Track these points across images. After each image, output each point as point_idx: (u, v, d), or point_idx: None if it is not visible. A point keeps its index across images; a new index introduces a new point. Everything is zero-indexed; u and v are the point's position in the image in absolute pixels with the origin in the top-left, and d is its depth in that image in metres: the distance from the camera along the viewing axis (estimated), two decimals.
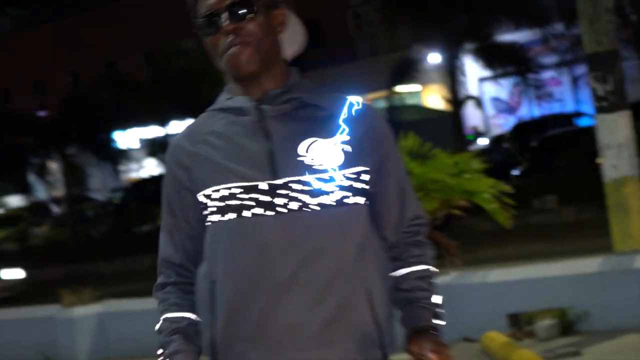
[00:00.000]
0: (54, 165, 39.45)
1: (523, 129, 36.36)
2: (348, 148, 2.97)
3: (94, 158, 37.85)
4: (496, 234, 20.82)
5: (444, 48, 31.09)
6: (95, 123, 37.07)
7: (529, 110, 42.31)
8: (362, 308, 2.96)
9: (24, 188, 39.52)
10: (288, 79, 3.08)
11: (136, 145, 43.72)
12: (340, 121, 3.01)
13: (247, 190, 2.91)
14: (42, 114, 45.62)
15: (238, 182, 2.92)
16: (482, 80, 40.63)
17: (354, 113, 3.05)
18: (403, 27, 33.27)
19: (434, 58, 32.72)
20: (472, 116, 41.46)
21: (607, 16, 11.91)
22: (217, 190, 2.95)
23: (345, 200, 2.92)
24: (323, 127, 2.99)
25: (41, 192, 42.78)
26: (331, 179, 2.91)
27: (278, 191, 2.89)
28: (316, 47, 49.65)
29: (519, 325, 10.96)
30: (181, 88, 34.74)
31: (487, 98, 44.33)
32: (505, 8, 30.60)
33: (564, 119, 35.80)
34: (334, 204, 2.90)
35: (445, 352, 2.96)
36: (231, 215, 2.93)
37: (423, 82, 38.57)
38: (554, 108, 40.42)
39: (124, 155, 39.08)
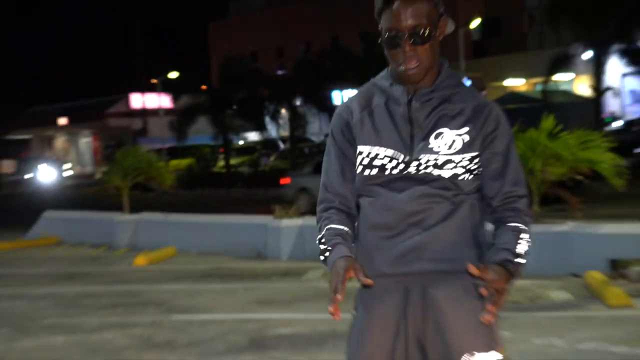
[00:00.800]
0: (284, 112, 39.91)
1: None
2: (467, 138, 3.02)
3: (314, 109, 38.16)
4: (616, 198, 20.38)
5: (595, 47, 30.18)
6: (318, 83, 37.33)
7: None
8: (464, 237, 3.06)
9: (260, 127, 40.02)
10: (439, 76, 3.10)
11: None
12: (466, 118, 3.04)
13: (390, 158, 3.04)
14: (279, 72, 46.04)
15: (385, 148, 3.06)
16: (624, 75, 39.09)
17: (477, 110, 3.07)
18: (565, 28, 32.45)
19: (587, 54, 31.74)
20: (611, 103, 40.37)
21: None
22: (366, 152, 3.10)
23: (459, 176, 3.01)
24: (452, 121, 3.04)
25: (273, 132, 43.38)
26: (449, 161, 3.00)
27: (410, 163, 3.01)
28: (495, 37, 49.22)
29: (617, 268, 10.74)
30: (386, 61, 34.73)
31: (627, 90, 43.05)
32: None
33: None
34: (448, 177, 3.00)
35: (501, 286, 2.82)
36: (373, 171, 3.07)
37: (576, 73, 37.62)
38: None
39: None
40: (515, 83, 46.49)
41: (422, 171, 3.01)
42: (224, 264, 14.14)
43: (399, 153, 3.04)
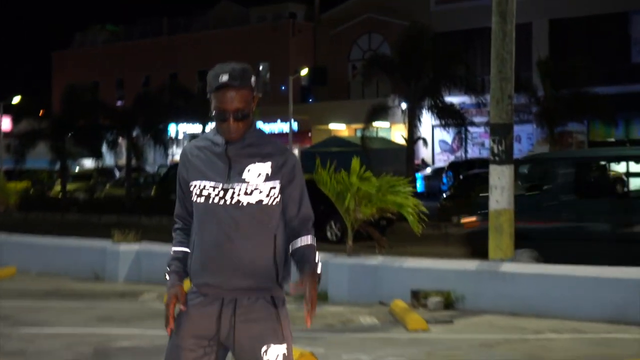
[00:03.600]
0: (121, 142, 39.70)
1: (456, 166, 36.48)
2: (269, 171, 3.90)
3: (150, 141, 38.15)
4: (423, 237, 21.33)
5: (408, 101, 31.35)
6: (156, 116, 37.34)
7: (468, 152, 42.30)
8: (268, 258, 3.90)
9: (97, 155, 39.65)
10: (250, 129, 3.96)
11: (181, 136, 43.90)
12: (268, 156, 3.92)
13: (212, 187, 3.90)
14: (119, 103, 45.81)
15: (209, 181, 3.91)
16: (434, 126, 40.70)
17: (277, 155, 3.94)
18: (383, 80, 33.62)
19: (403, 105, 32.91)
20: (422, 151, 42.10)
21: (508, 100, 12.40)
22: (197, 185, 3.95)
23: (263, 202, 3.89)
24: (258, 158, 3.91)
25: (110, 160, 43.05)
26: (255, 189, 3.87)
27: (227, 191, 3.87)
28: (321, 85, 50.50)
29: (418, 298, 11.42)
30: None
31: (437, 139, 44.99)
32: (454, 78, 31.10)
33: (486, 162, 35.79)
34: (254, 203, 3.87)
35: (313, 296, 3.82)
36: (201, 199, 3.92)
37: (392, 121, 38.83)
38: (484, 153, 40.71)
39: (172, 142, 39.38)
40: (338, 127, 47.67)
41: (236, 198, 3.85)
42: (64, 285, 14.18)
43: (219, 183, 3.88)
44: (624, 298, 10.47)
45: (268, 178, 3.88)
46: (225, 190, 3.86)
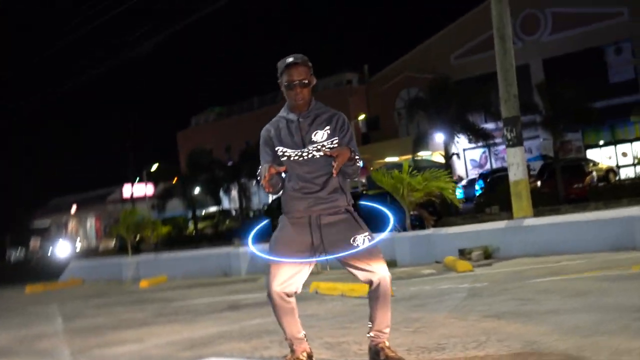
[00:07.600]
0: (233, 189, 40.30)
1: (484, 175, 35.79)
2: (329, 132, 4.14)
3: (255, 186, 38.43)
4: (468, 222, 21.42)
5: (443, 128, 31.08)
6: (257, 167, 37.31)
7: (491, 165, 42.01)
8: (339, 192, 4.18)
9: (217, 201, 40.40)
10: (312, 103, 4.23)
11: None
12: (327, 122, 4.16)
13: (293, 151, 4.14)
14: (229, 163, 46.48)
15: (290, 148, 4.16)
16: (465, 149, 40.42)
17: (333, 117, 4.18)
18: (422, 120, 33.52)
19: (439, 136, 32.63)
20: (458, 168, 41.76)
21: (514, 99, 12.48)
22: (280, 149, 4.20)
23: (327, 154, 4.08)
24: (320, 125, 4.16)
25: (226, 203, 43.68)
26: (322, 146, 4.11)
27: (304, 152, 4.12)
28: (375, 129, 50.66)
29: (463, 254, 11.61)
30: None
31: (468, 159, 44.59)
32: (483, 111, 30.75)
33: (505, 170, 35.37)
34: (322, 154, 4.09)
35: (343, 154, 3.94)
36: (284, 159, 4.17)
37: (432, 149, 38.72)
38: (505, 165, 40.17)
39: None
40: (392, 160, 47.71)
41: (310, 155, 4.12)
42: (203, 280, 14.63)
43: (297, 149, 4.14)
44: (620, 231, 10.35)
45: (329, 136, 4.14)
46: (301, 152, 4.11)
